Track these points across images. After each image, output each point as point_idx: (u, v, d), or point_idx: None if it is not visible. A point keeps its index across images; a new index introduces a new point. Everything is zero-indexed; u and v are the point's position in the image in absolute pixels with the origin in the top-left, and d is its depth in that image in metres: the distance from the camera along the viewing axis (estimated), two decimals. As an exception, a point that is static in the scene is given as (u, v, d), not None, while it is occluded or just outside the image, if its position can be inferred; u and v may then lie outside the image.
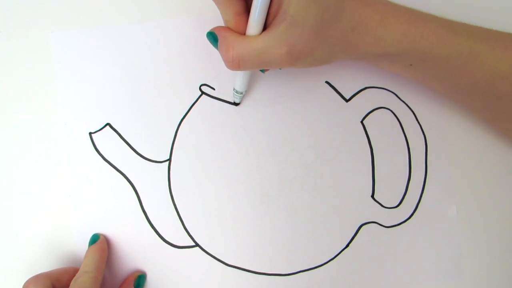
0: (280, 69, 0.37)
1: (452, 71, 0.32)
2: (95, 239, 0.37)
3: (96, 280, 0.33)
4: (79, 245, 0.37)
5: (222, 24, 0.33)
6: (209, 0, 0.31)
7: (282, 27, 0.29)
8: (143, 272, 0.37)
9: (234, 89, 0.37)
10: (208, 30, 0.32)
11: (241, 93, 0.37)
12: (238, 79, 0.35)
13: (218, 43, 0.32)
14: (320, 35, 0.30)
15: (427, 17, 0.32)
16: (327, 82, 0.39)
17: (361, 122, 0.39)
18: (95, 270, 0.34)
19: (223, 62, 0.32)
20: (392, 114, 0.39)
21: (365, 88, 0.39)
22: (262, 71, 0.36)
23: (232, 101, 0.38)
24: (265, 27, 0.31)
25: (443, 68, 0.32)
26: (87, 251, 0.36)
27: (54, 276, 0.34)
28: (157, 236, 0.38)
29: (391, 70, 0.35)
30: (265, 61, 0.31)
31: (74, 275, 0.34)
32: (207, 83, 0.38)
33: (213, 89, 0.38)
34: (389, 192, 0.38)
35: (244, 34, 0.31)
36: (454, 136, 0.39)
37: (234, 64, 0.31)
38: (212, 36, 0.32)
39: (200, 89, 0.38)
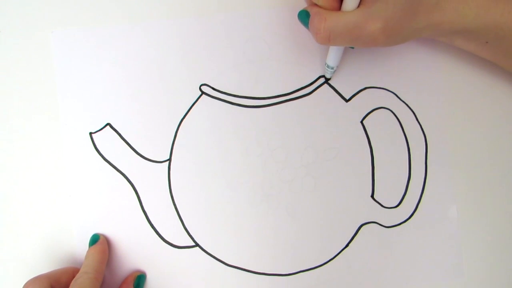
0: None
1: None
2: (95, 239, 0.37)
3: (95, 281, 0.33)
4: (79, 245, 0.37)
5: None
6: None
7: (378, 3, 0.29)
8: (143, 272, 0.37)
9: (326, 64, 0.36)
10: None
11: (333, 68, 0.36)
12: (331, 53, 0.35)
13: (310, 17, 0.31)
14: (409, 12, 0.30)
15: None
16: (327, 82, 0.39)
17: (361, 122, 0.39)
18: (95, 271, 0.34)
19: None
20: (392, 114, 0.39)
21: (365, 88, 0.39)
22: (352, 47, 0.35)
23: (323, 75, 0.38)
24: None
25: None
26: (87, 252, 0.36)
27: (54, 277, 0.34)
28: (157, 236, 0.38)
29: (466, 48, 0.35)
30: (357, 36, 0.30)
31: (73, 275, 0.34)
32: (207, 83, 0.38)
33: (213, 89, 0.38)
34: (389, 192, 0.38)
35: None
36: (454, 136, 0.39)
37: (325, 36, 0.31)
38: (305, 13, 0.32)
39: (200, 89, 0.38)
